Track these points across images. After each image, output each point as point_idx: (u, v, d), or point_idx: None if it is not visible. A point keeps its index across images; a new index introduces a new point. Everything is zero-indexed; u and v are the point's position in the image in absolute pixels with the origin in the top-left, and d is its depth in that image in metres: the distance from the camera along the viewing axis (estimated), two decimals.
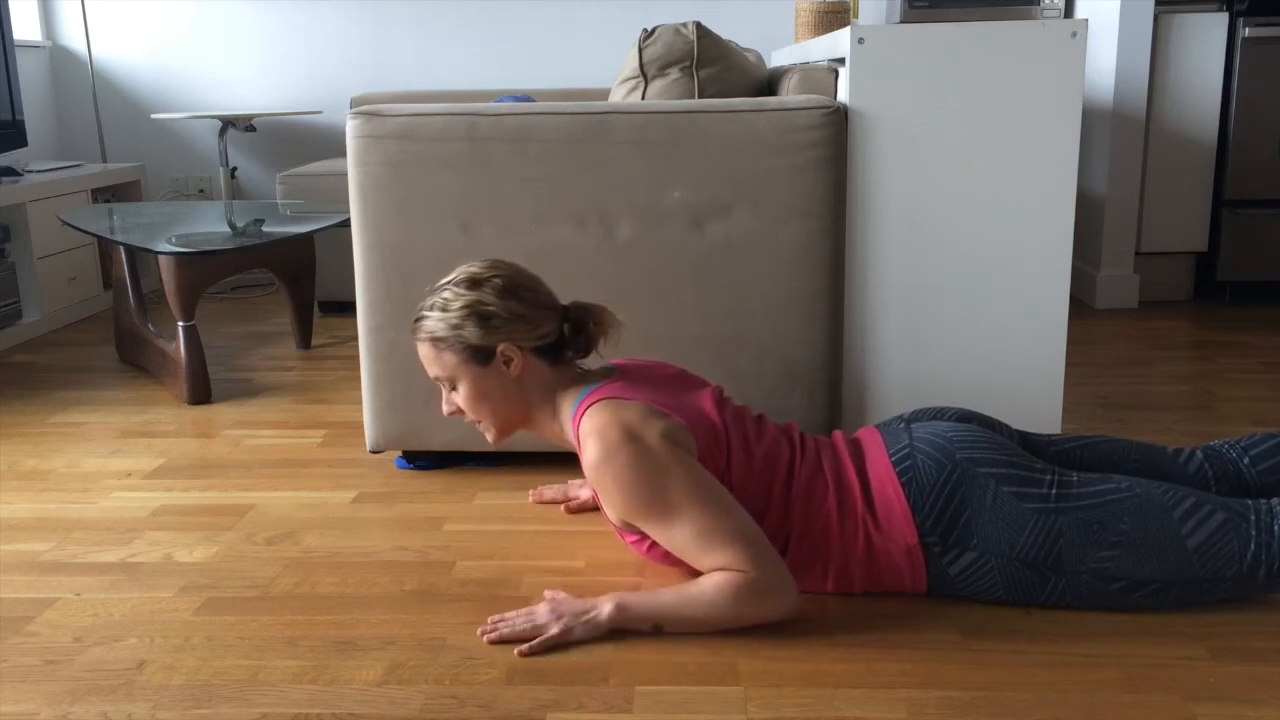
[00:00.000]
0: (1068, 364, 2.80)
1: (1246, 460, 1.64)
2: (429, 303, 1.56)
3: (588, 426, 1.48)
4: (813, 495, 1.51)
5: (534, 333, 1.54)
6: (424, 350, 1.57)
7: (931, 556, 1.48)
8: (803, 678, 1.35)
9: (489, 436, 1.62)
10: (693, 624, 1.43)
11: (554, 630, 1.44)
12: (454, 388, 1.58)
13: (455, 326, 1.52)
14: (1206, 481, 1.63)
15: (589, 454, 1.46)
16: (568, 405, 1.56)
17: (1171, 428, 2.30)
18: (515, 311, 1.52)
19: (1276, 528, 1.43)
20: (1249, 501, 1.47)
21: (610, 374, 1.58)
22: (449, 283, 1.55)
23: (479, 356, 1.53)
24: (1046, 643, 1.42)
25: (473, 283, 1.53)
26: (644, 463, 1.43)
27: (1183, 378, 2.67)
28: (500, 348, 1.53)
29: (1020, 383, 2.00)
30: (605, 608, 1.45)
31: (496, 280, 1.53)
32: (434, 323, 1.54)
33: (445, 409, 1.61)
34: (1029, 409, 2.00)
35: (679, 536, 1.44)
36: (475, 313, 1.51)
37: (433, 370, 1.58)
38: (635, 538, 1.54)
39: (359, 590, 1.62)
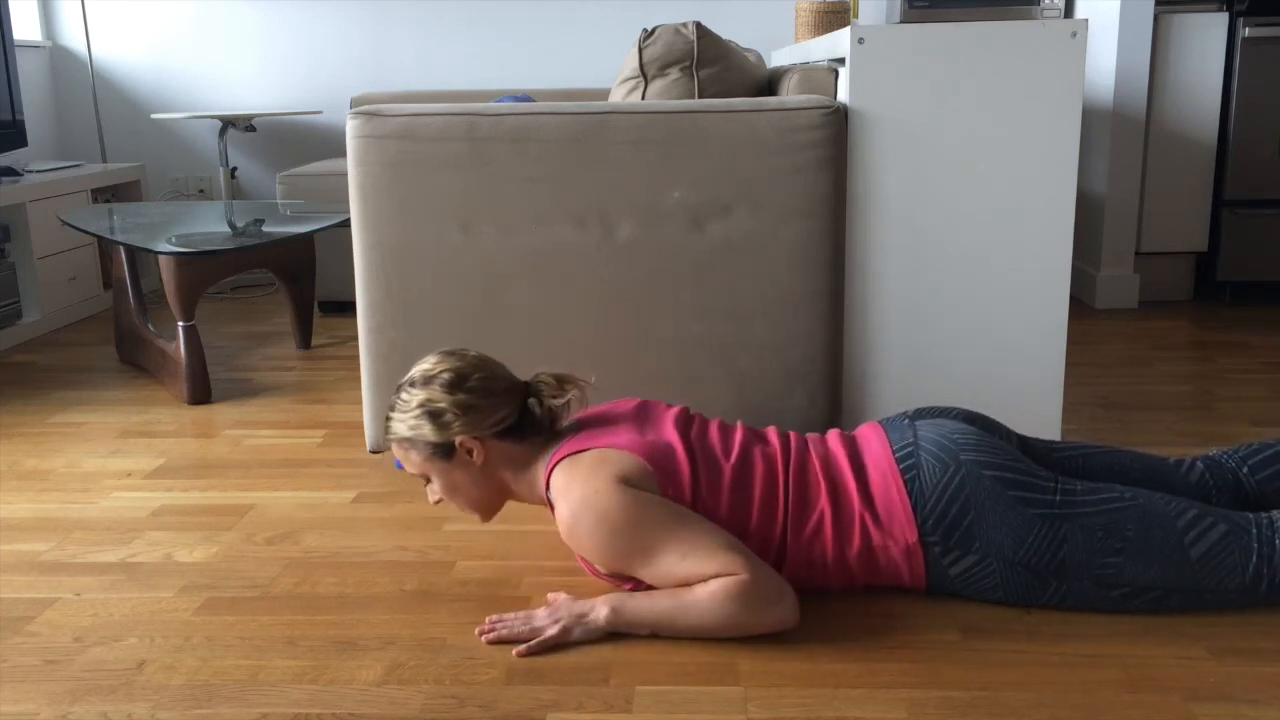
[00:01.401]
0: (1068, 364, 2.80)
1: (1245, 470, 1.64)
2: (391, 402, 1.58)
3: (554, 492, 1.50)
4: (805, 497, 1.51)
5: (488, 421, 1.54)
6: (395, 451, 1.59)
7: (931, 556, 1.48)
8: (803, 678, 1.35)
9: (478, 520, 1.63)
10: (689, 630, 1.43)
11: (551, 632, 1.44)
12: (430, 481, 1.59)
13: (414, 427, 1.54)
14: (1208, 492, 1.63)
15: (560, 521, 1.47)
16: (540, 473, 1.57)
17: (1171, 428, 2.30)
18: (465, 404, 1.52)
19: (1278, 541, 1.43)
20: (1250, 515, 1.47)
21: (573, 430, 1.59)
22: (405, 382, 1.57)
23: (441, 452, 1.54)
24: (1046, 643, 1.42)
25: (425, 381, 1.54)
26: (609, 514, 1.43)
27: (1183, 378, 2.67)
28: (458, 441, 1.53)
29: (1020, 383, 2.00)
30: (602, 611, 1.45)
31: (445, 375, 1.54)
32: (396, 424, 1.56)
33: (430, 498, 1.62)
34: (1029, 409, 2.00)
35: (666, 568, 1.43)
36: (427, 412, 1.53)
37: (407, 468, 1.60)
38: (631, 585, 1.53)
39: (359, 590, 1.62)
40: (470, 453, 1.54)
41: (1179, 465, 1.66)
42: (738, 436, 1.58)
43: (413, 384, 1.55)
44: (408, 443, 1.55)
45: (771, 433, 1.62)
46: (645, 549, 1.43)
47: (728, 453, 1.54)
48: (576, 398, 1.60)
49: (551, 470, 1.52)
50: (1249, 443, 1.69)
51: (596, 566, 1.52)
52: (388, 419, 1.58)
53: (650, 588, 1.50)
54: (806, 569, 1.51)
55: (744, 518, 1.50)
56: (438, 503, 1.60)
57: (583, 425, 1.59)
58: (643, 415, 1.61)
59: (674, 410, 1.62)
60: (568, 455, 1.51)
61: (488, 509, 1.61)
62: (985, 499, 1.45)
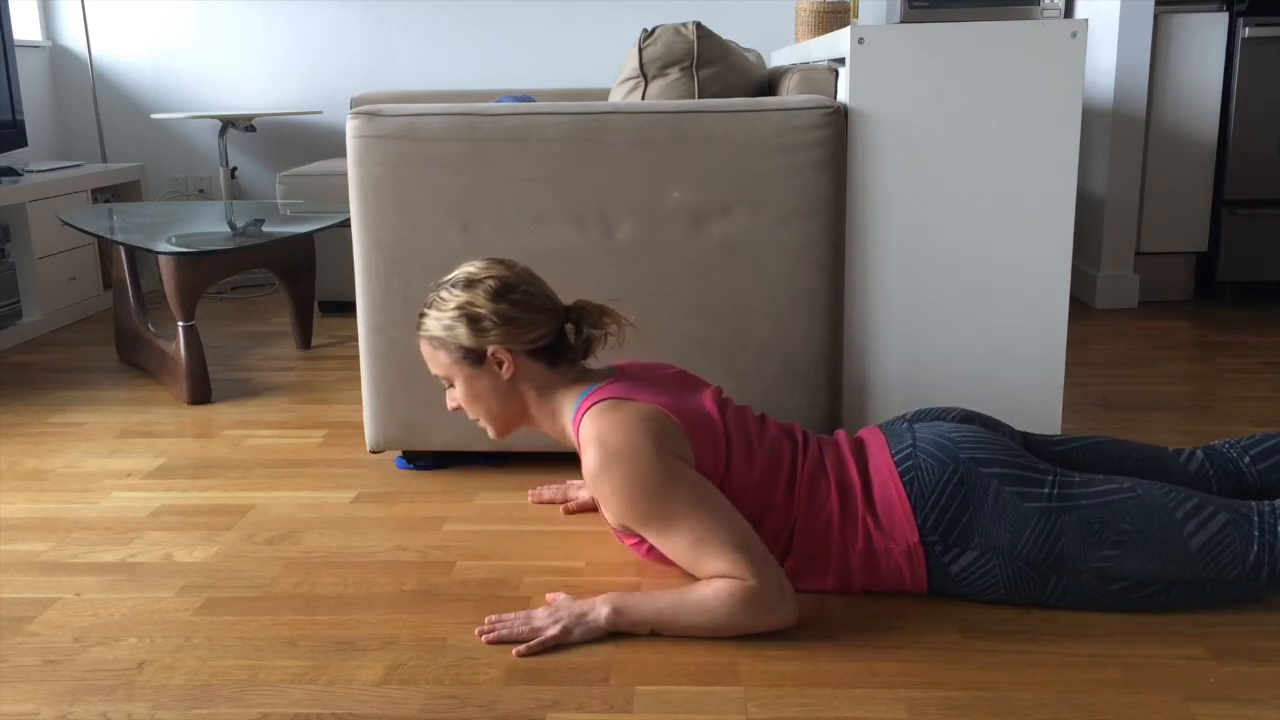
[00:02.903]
0: (1068, 364, 2.80)
1: (1247, 459, 1.64)
2: (428, 300, 1.58)
3: (587, 431, 1.48)
4: (815, 494, 1.52)
5: (526, 336, 1.53)
6: (423, 347, 1.60)
7: (932, 555, 1.48)
8: (803, 678, 1.35)
9: (490, 433, 1.63)
10: (689, 630, 1.43)
11: (552, 632, 1.43)
12: (452, 385, 1.60)
13: (448, 327, 1.53)
14: (1207, 481, 1.63)
15: (588, 462, 1.46)
16: (567, 406, 1.56)
17: (1171, 428, 2.30)
18: (506, 315, 1.52)
19: None
20: (1251, 503, 1.47)
21: (611, 375, 1.58)
22: (446, 281, 1.56)
23: (471, 358, 1.54)
24: (1046, 643, 1.42)
25: (468, 283, 1.54)
26: (642, 473, 1.42)
27: (1183, 378, 2.67)
28: (491, 350, 1.53)
29: (1020, 383, 2.00)
30: (603, 610, 1.45)
31: (490, 282, 1.53)
32: (431, 321, 1.56)
33: (449, 404, 1.63)
34: (1029, 409, 2.00)
35: (677, 545, 1.44)
36: (466, 315, 1.52)
37: (431, 367, 1.60)
38: (634, 540, 1.53)
39: (359, 590, 1.62)
40: (500, 365, 1.54)
41: (1178, 455, 1.66)
42: (770, 425, 1.59)
43: (455, 284, 1.54)
44: (438, 342, 1.55)
45: (796, 428, 1.63)
46: (664, 518, 1.43)
47: (762, 436, 1.56)
48: (615, 333, 1.59)
49: (586, 410, 1.51)
50: (1251, 434, 1.69)
51: (608, 517, 1.51)
52: (421, 315, 1.57)
53: (652, 546, 1.50)
54: (809, 564, 1.51)
55: (770, 493, 1.51)
56: (455, 409, 1.61)
57: (621, 374, 1.58)
58: (682, 384, 1.61)
59: (711, 388, 1.62)
60: (605, 399, 1.50)
61: (504, 425, 1.61)
62: (983, 495, 1.45)
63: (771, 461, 1.53)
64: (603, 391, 1.52)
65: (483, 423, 1.62)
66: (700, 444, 1.49)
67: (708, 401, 1.56)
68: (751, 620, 1.41)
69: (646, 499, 1.43)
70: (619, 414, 1.47)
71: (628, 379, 1.56)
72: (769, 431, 1.57)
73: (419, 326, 1.58)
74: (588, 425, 1.49)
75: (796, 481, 1.52)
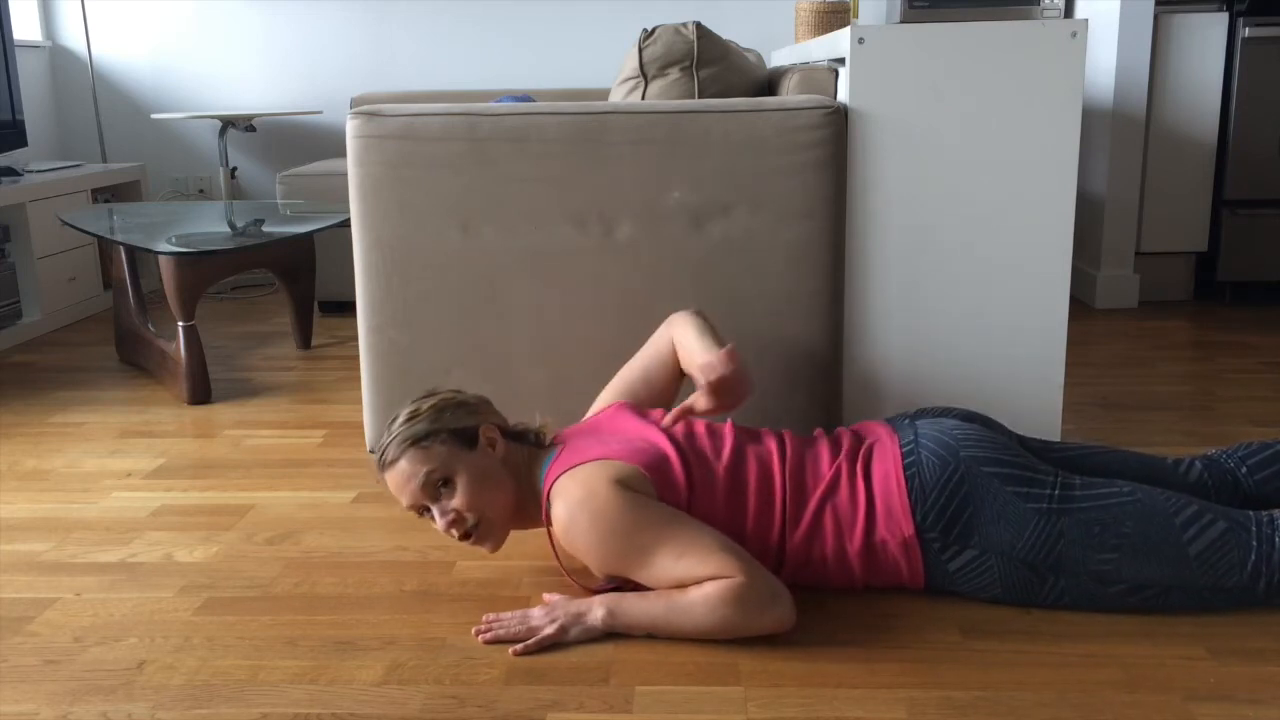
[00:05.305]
0: (1068, 364, 2.80)
1: (1244, 470, 1.64)
2: (393, 424, 1.55)
3: (553, 500, 1.49)
4: (803, 496, 1.51)
5: (500, 417, 1.63)
6: (406, 461, 1.51)
7: (930, 552, 1.48)
8: (803, 678, 1.35)
9: (489, 543, 1.56)
10: (683, 633, 1.43)
11: (548, 631, 1.44)
12: (445, 483, 1.52)
13: (435, 420, 1.54)
14: (1206, 491, 1.63)
15: (556, 525, 1.47)
16: (539, 482, 1.57)
17: (1172, 428, 2.30)
18: (482, 399, 1.62)
19: (1278, 539, 1.43)
20: (1250, 513, 1.47)
21: (563, 444, 1.60)
22: (407, 408, 1.57)
23: (465, 439, 1.54)
24: (1046, 643, 1.42)
25: (432, 394, 1.61)
26: (606, 514, 1.43)
27: (1183, 378, 2.67)
28: (482, 428, 1.56)
29: (1020, 383, 2.00)
30: (598, 612, 1.45)
31: (448, 390, 1.62)
32: (410, 428, 1.53)
33: (441, 523, 1.53)
34: (1029, 409, 2.00)
35: (663, 569, 1.43)
36: (451, 403, 1.57)
37: (409, 488, 1.51)
38: (630, 589, 1.53)
39: (359, 590, 1.62)
40: (492, 444, 1.56)
41: (1177, 465, 1.66)
42: (728, 437, 1.58)
43: (417, 400, 1.59)
44: (428, 439, 1.51)
45: (765, 432, 1.62)
46: (641, 549, 1.43)
47: (719, 453, 1.54)
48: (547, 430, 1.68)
49: (551, 485, 1.51)
50: (1247, 442, 1.69)
51: (592, 569, 1.51)
52: (389, 443, 1.53)
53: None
54: (806, 566, 1.51)
55: (741, 520, 1.50)
56: (450, 525, 1.52)
57: (566, 442, 1.60)
58: (627, 422, 1.61)
59: (655, 413, 1.64)
60: (565, 470, 1.51)
61: (505, 517, 1.55)
62: (984, 495, 1.45)
63: (735, 474, 1.52)
64: (557, 464, 1.53)
65: (482, 528, 1.54)
66: (661, 481, 1.49)
67: (656, 434, 1.56)
68: (745, 619, 1.40)
69: (618, 537, 1.43)
70: (576, 476, 1.48)
71: (572, 442, 1.58)
72: (729, 444, 1.56)
73: (390, 449, 1.52)
74: (554, 497, 1.49)
75: (774, 488, 1.52)
